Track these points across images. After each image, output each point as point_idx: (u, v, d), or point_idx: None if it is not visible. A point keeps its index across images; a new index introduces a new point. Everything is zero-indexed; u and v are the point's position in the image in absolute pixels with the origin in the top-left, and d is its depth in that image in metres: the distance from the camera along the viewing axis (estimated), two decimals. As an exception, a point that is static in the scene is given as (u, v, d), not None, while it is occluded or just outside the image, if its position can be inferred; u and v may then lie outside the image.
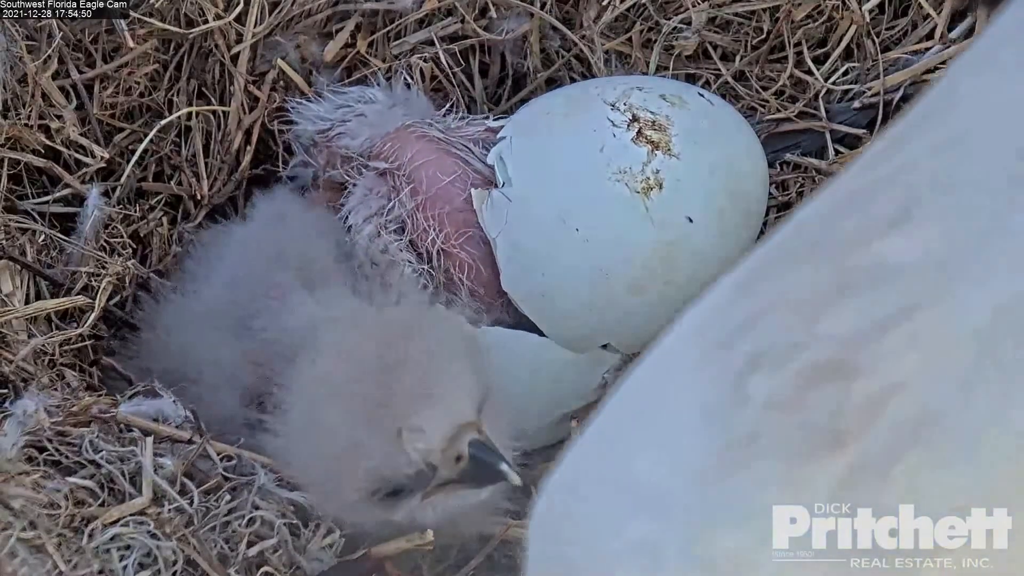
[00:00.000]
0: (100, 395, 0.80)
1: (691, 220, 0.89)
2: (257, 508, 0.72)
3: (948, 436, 0.36)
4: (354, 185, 0.95)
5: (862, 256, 0.37)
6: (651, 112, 0.92)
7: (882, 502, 0.35)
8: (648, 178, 0.90)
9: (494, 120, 0.98)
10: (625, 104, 0.93)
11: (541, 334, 0.90)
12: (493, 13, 1.05)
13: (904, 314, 0.36)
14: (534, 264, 0.90)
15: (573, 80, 1.07)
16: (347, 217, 0.94)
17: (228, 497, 0.72)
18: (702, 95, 0.98)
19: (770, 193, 0.99)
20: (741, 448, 0.38)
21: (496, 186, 0.92)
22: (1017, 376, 0.36)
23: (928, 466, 0.36)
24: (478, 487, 0.74)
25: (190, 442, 0.75)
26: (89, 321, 0.88)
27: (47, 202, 0.97)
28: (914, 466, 0.36)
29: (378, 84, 1.01)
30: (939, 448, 0.36)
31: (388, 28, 1.06)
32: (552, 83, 1.07)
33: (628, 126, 0.92)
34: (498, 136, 0.94)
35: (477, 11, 1.05)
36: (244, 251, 0.93)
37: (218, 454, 0.75)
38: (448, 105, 1.01)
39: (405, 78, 1.02)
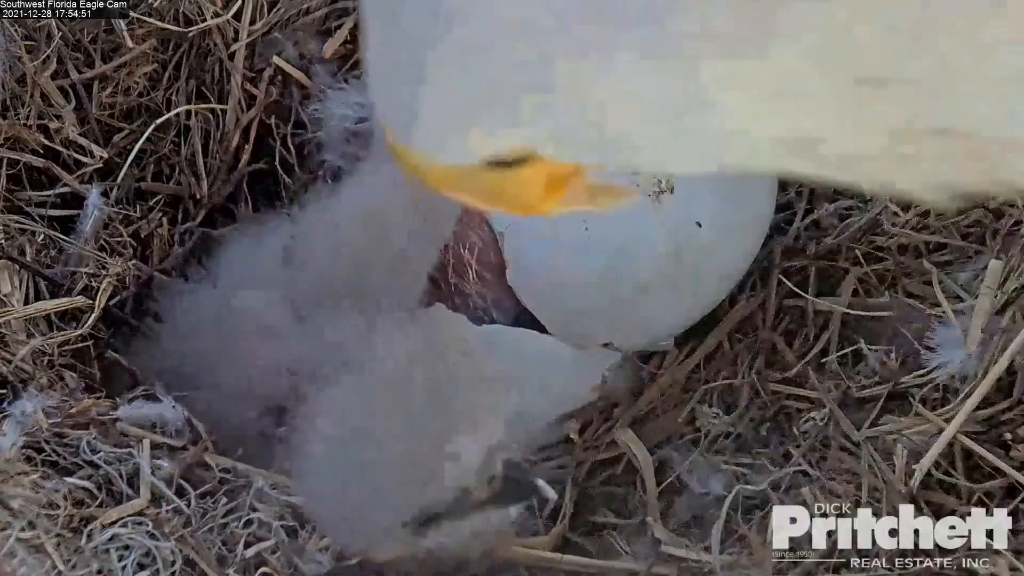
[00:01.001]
0: (99, 397, 0.80)
1: (700, 224, 0.89)
2: (255, 510, 0.72)
3: None
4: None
5: None
6: None
7: None
8: (660, 181, 0.89)
9: None
10: None
11: (542, 330, 0.90)
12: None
13: None
14: (541, 260, 0.89)
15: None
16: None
17: (225, 499, 0.72)
18: None
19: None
20: None
21: None
22: None
23: None
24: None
25: (185, 448, 0.75)
26: (89, 322, 0.88)
27: (46, 202, 0.97)
28: None
29: None
30: None
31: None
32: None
33: None
34: None
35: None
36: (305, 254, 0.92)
37: (216, 466, 0.75)
38: None
39: None
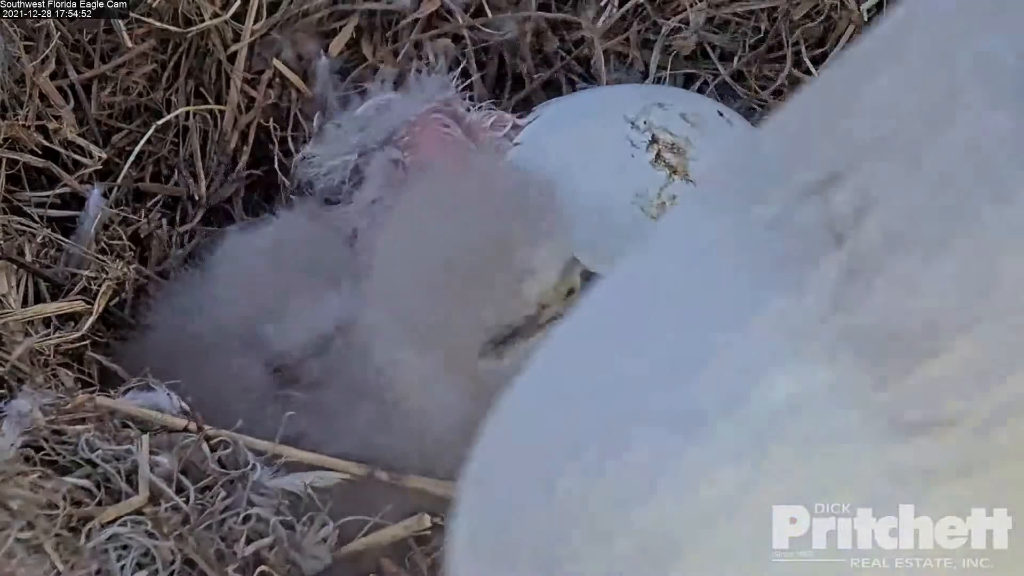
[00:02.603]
0: (94, 391, 0.80)
1: None
2: (252, 504, 0.72)
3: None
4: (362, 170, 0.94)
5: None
6: (671, 134, 0.92)
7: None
8: (664, 203, 0.89)
9: (519, 117, 0.97)
10: (645, 123, 0.92)
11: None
12: (489, 13, 1.05)
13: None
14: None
15: (572, 81, 1.07)
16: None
17: (223, 493, 0.72)
18: (721, 114, 0.97)
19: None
20: None
21: None
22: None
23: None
24: None
25: (186, 431, 0.75)
26: (87, 325, 0.88)
27: (45, 202, 0.97)
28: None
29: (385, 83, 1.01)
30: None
31: (388, 30, 1.06)
32: (549, 85, 1.07)
33: (647, 148, 0.91)
34: (514, 141, 0.94)
35: (474, 11, 1.05)
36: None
37: (215, 439, 0.75)
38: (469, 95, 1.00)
39: (416, 68, 1.01)
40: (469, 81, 1.04)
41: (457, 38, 1.06)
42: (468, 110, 0.97)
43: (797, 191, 0.36)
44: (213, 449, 0.74)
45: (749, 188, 0.37)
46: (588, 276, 0.72)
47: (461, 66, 1.04)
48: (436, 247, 0.76)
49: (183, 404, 0.77)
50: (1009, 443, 0.34)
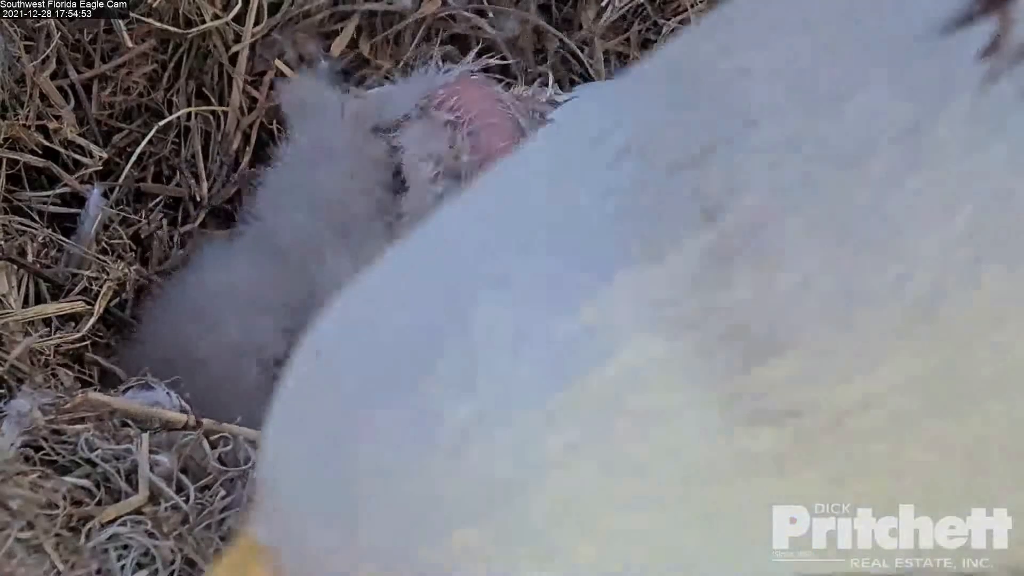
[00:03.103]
0: (94, 390, 0.80)
1: None
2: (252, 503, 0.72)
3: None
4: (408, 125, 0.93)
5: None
6: None
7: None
8: None
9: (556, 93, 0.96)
10: None
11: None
12: (490, 13, 1.05)
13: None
14: None
15: (572, 81, 1.07)
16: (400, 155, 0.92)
17: (223, 492, 0.72)
18: None
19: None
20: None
21: None
22: None
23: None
24: None
25: (186, 427, 0.75)
26: (88, 325, 0.88)
27: (46, 203, 0.97)
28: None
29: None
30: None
31: (388, 31, 1.06)
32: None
33: None
34: (547, 117, 0.93)
35: (474, 11, 1.05)
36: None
37: (214, 434, 0.75)
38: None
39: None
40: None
41: (457, 38, 1.06)
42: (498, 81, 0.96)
43: (676, 159, 0.34)
44: (213, 446, 0.74)
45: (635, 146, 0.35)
46: None
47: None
48: None
49: (182, 402, 0.77)
50: (857, 436, 0.34)
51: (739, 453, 0.33)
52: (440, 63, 1.01)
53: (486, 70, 1.00)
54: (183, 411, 0.77)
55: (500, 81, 0.99)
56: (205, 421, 0.75)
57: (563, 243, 0.34)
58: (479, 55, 1.05)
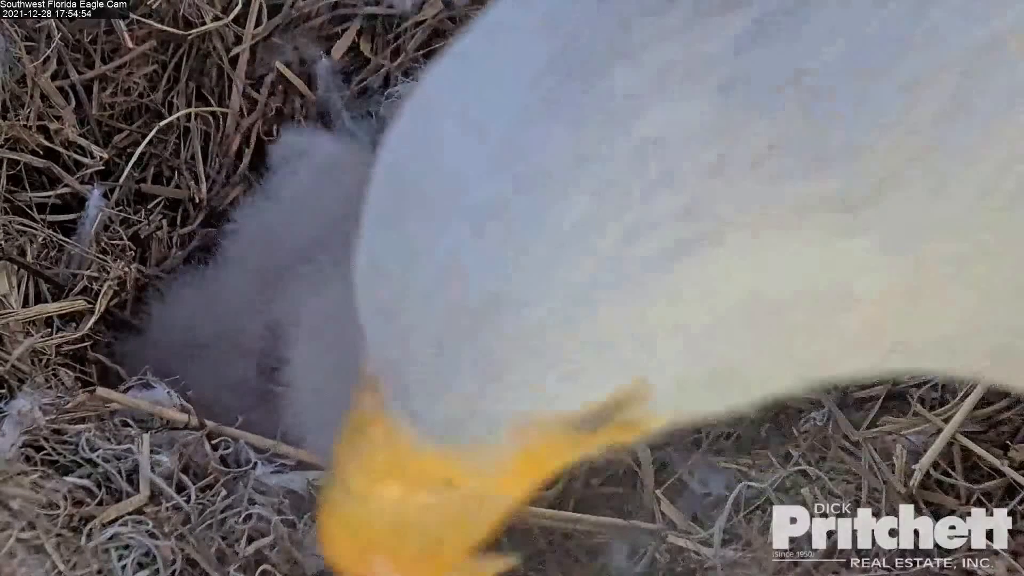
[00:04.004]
0: (95, 391, 0.80)
1: None
2: (253, 503, 0.72)
3: None
4: None
5: None
6: None
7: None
8: None
9: None
10: None
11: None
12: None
13: None
14: None
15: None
16: None
17: (224, 492, 0.72)
18: None
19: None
20: None
21: None
22: None
23: None
24: None
25: (187, 427, 0.75)
26: (88, 325, 0.88)
27: (46, 203, 0.97)
28: None
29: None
30: None
31: (388, 33, 1.06)
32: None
33: None
34: None
35: (475, 13, 1.05)
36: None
37: (216, 437, 0.75)
38: None
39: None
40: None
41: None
42: None
43: None
44: (215, 448, 0.75)
45: None
46: None
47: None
48: None
49: (183, 402, 0.77)
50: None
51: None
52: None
53: None
54: (184, 409, 0.77)
55: None
56: (207, 423, 0.75)
57: None
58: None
